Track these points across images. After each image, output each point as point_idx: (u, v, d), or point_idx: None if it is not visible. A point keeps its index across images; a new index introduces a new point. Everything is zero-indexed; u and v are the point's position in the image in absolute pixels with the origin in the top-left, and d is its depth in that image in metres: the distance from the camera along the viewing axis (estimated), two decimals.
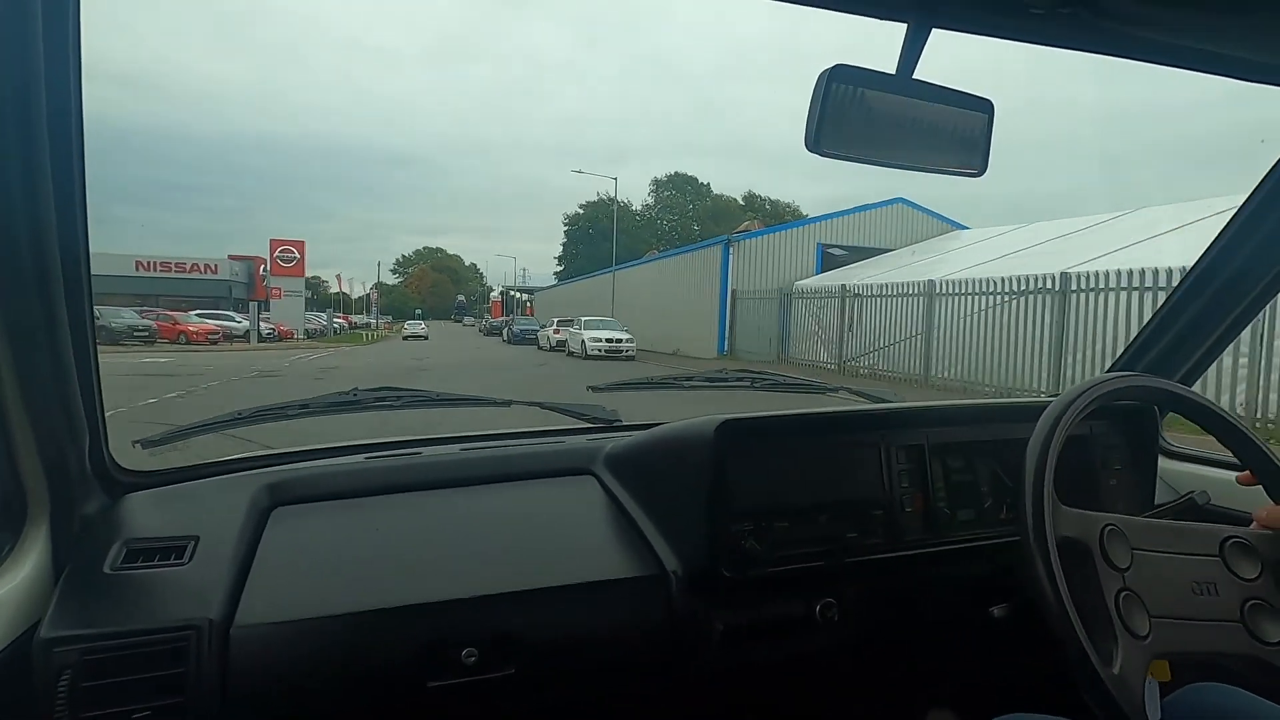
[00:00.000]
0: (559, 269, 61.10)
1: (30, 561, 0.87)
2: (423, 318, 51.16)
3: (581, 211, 59.64)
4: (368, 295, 60.62)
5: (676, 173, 62.75)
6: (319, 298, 58.29)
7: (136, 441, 1.13)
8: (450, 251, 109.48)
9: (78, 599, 0.85)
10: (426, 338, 35.29)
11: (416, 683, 0.92)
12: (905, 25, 0.75)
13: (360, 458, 1.23)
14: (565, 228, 61.20)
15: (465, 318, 74.47)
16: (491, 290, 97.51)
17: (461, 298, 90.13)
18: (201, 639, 0.83)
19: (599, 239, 53.54)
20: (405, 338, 37.03)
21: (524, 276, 70.83)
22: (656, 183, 62.37)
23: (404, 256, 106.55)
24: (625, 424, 1.43)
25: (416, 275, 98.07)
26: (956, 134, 0.82)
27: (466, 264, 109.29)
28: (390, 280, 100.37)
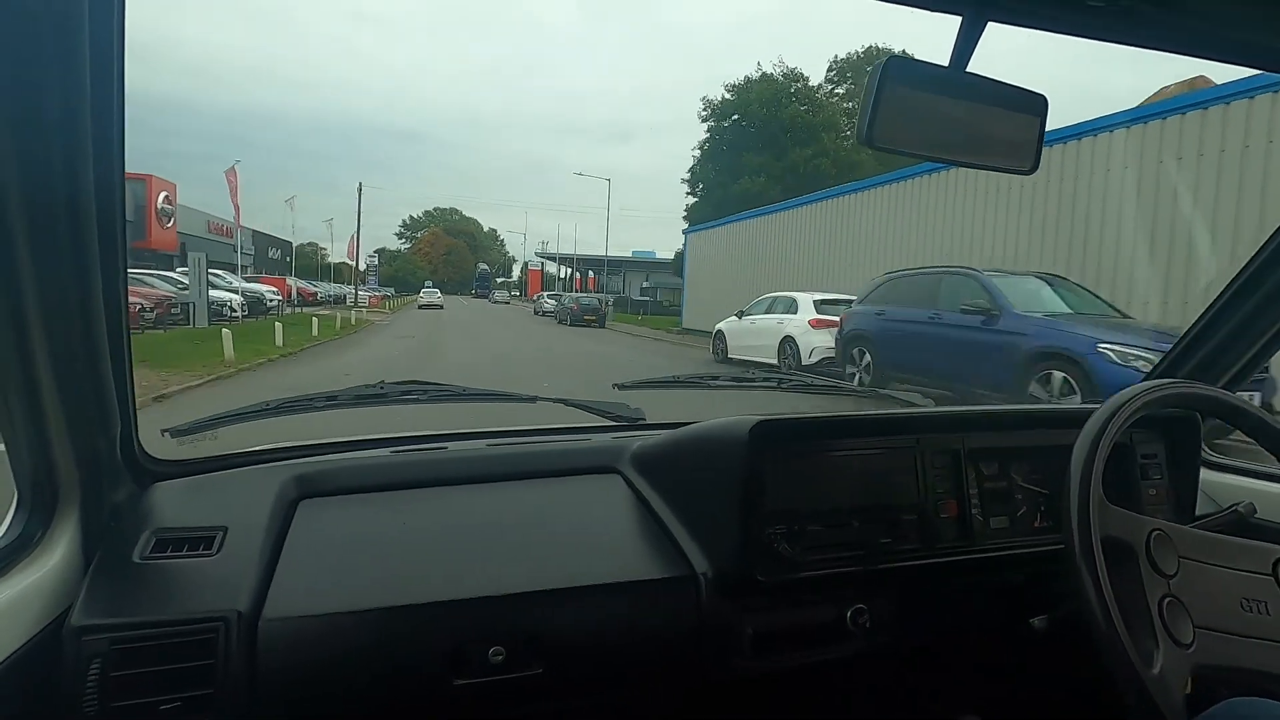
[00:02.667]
0: (692, 198, 32.89)
1: (61, 549, 0.86)
2: (435, 289, 43.80)
3: (731, 97, 31.36)
4: (369, 263, 49.89)
5: (872, 47, 32.62)
6: (310, 265, 48.37)
7: (165, 430, 1.13)
8: (467, 214, 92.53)
9: (107, 588, 0.85)
10: (442, 307, 29.87)
11: (443, 680, 0.91)
12: (960, 18, 0.73)
13: (387, 451, 1.23)
14: (706, 121, 32.04)
15: (494, 292, 56.79)
16: (513, 261, 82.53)
17: (484, 266, 73.93)
18: (230, 631, 0.82)
19: (777, 133, 29.49)
20: (421, 306, 33.18)
21: (544, 247, 59.37)
22: (837, 64, 33.72)
23: (412, 218, 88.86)
24: (650, 422, 1.41)
25: (427, 239, 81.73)
26: (1009, 130, 0.80)
27: (485, 229, 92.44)
28: (396, 246, 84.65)
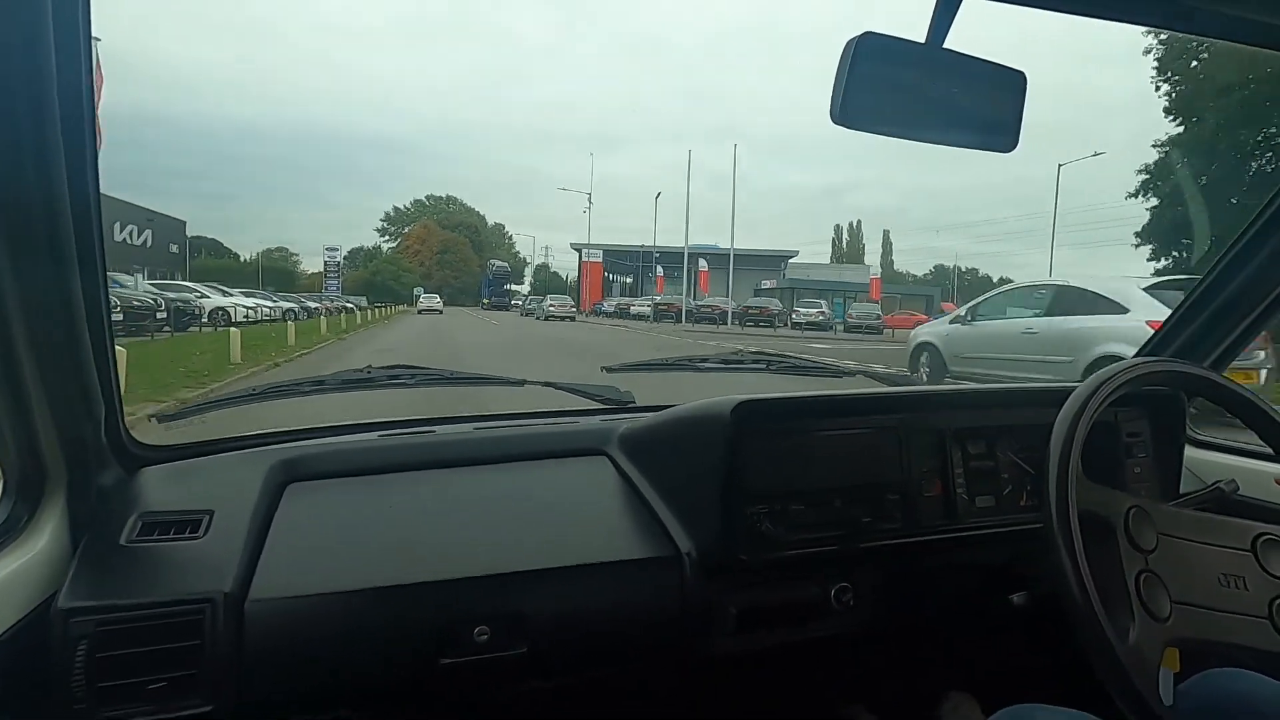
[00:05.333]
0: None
1: (48, 533, 0.87)
2: (435, 294, 38.76)
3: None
4: (329, 258, 39.48)
5: None
6: (281, 275, 42.13)
7: (152, 416, 1.14)
8: (469, 203, 73.94)
9: (94, 570, 0.86)
10: (440, 312, 26.89)
11: (429, 659, 0.92)
12: None
13: (374, 435, 1.23)
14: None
15: (546, 300, 34.61)
16: (525, 263, 66.93)
17: (501, 263, 53.98)
18: (216, 612, 0.84)
19: None
20: (420, 311, 30.35)
21: (547, 254, 53.98)
22: None
23: (397, 209, 70.35)
24: (639, 405, 1.42)
25: (417, 234, 64.78)
26: (987, 107, 0.79)
27: (490, 224, 74.15)
28: (377, 243, 67.69)
